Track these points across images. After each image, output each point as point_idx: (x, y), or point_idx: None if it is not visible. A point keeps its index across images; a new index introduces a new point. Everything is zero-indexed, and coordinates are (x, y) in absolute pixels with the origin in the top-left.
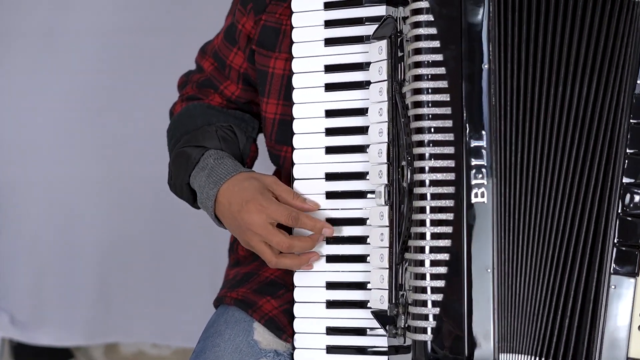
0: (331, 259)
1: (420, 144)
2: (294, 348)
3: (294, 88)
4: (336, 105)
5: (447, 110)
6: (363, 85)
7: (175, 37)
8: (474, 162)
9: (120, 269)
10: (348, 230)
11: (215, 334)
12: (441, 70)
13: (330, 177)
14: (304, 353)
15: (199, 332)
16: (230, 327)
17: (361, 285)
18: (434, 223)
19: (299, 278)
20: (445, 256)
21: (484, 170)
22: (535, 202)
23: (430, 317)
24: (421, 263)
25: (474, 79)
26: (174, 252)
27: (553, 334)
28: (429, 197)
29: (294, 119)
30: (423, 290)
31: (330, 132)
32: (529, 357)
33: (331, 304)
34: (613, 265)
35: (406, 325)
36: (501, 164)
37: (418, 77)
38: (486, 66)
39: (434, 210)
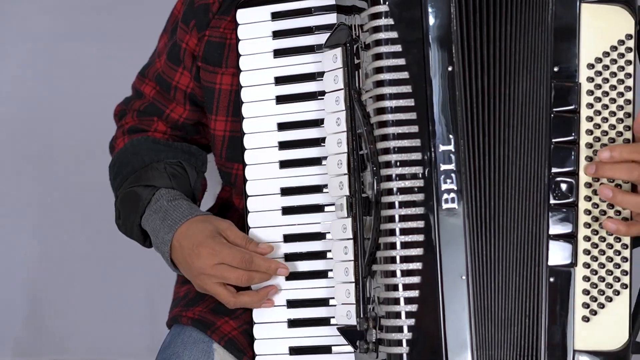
0: (291, 276)
1: (386, 151)
2: None
3: (243, 102)
4: (289, 117)
5: (412, 116)
6: (316, 95)
7: (103, 43)
8: (442, 167)
9: (51, 284)
10: (307, 246)
11: (173, 356)
12: (404, 75)
13: (285, 192)
14: None
15: (136, 347)
16: (188, 349)
17: (324, 302)
18: (404, 232)
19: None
20: (417, 265)
21: (453, 175)
22: (503, 204)
23: (405, 329)
24: (392, 274)
25: (438, 83)
26: (107, 266)
27: (527, 335)
28: (397, 205)
29: (245, 134)
30: (396, 301)
31: (283, 145)
32: None
33: (293, 323)
34: (550, 257)
35: (377, 339)
36: (470, 167)
37: (380, 83)
38: (450, 69)
39: (403, 218)
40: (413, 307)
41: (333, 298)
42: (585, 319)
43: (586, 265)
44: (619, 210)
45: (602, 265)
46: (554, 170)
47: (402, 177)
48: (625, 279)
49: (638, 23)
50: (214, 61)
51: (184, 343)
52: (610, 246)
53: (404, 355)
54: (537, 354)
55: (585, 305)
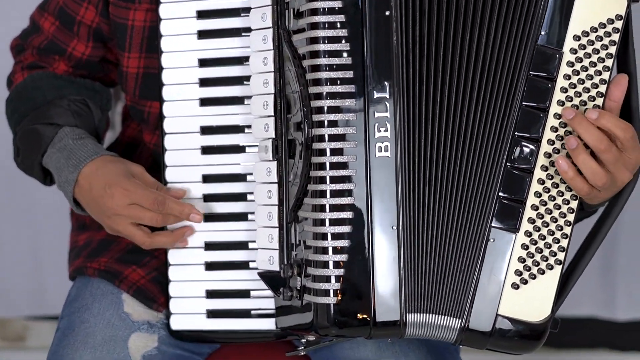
0: (209, 218)
1: (318, 96)
2: (167, 317)
3: (162, 35)
4: (211, 54)
5: (347, 61)
6: (240, 32)
7: None
8: (376, 115)
9: None
10: (226, 187)
11: (82, 309)
12: (340, 18)
13: (205, 130)
14: (182, 319)
15: (23, 300)
16: (97, 301)
17: (243, 245)
18: (335, 180)
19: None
20: (347, 214)
21: (387, 123)
22: (437, 154)
23: (333, 279)
24: (322, 222)
25: (375, 27)
26: None
27: (458, 290)
28: (328, 152)
29: (163, 68)
30: (324, 250)
31: (204, 82)
32: (436, 315)
33: (210, 266)
34: (493, 218)
35: (303, 286)
36: (405, 115)
37: (314, 25)
38: (388, 13)
39: (334, 166)
40: (342, 257)
41: (253, 242)
42: (515, 286)
43: (527, 234)
44: (569, 187)
45: (542, 237)
46: (518, 133)
47: (334, 123)
48: (561, 256)
49: (629, 6)
50: None
51: (93, 295)
52: (554, 220)
53: (331, 306)
54: (462, 310)
55: (518, 273)
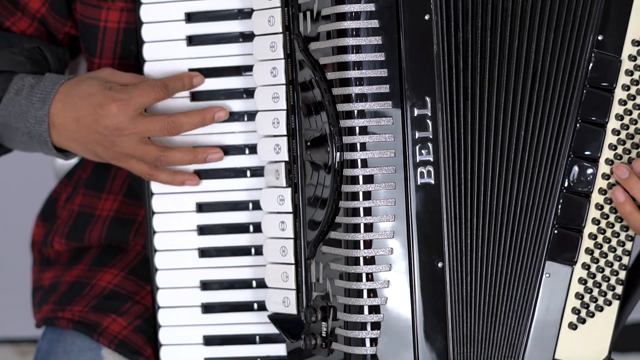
0: (205, 253)
1: (349, 115)
2: None
3: (144, 42)
4: (203, 63)
5: (382, 73)
6: (239, 38)
7: None
8: (417, 135)
9: None
10: (225, 217)
11: None
12: (373, 24)
13: None
14: None
15: None
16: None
17: (246, 284)
18: (370, 211)
19: (163, 278)
20: (386, 251)
21: (429, 145)
22: (486, 179)
23: (369, 326)
24: (355, 261)
25: (413, 34)
26: None
27: (511, 334)
28: (361, 180)
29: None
30: (359, 293)
31: (196, 96)
32: None
33: (208, 308)
34: (549, 250)
35: (329, 333)
36: (449, 136)
37: (342, 33)
38: (427, 17)
39: (369, 195)
40: (380, 300)
41: (254, 280)
42: (573, 327)
43: (585, 267)
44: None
45: (600, 270)
46: (575, 151)
47: (368, 146)
48: (619, 290)
49: None
50: None
51: (67, 352)
52: (613, 249)
53: (368, 357)
54: (515, 356)
55: (576, 311)
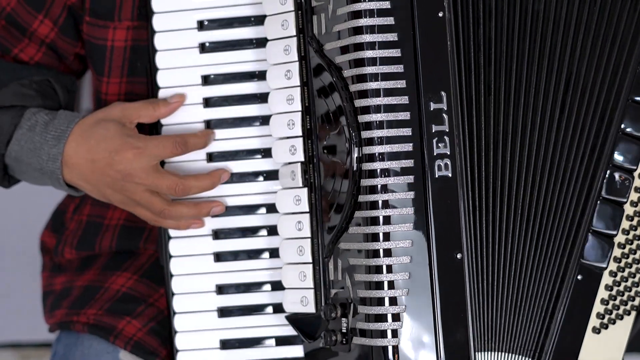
0: (221, 257)
1: (366, 110)
2: None
3: (157, 51)
4: (217, 69)
5: (398, 68)
6: (253, 43)
7: None
8: (434, 128)
9: None
10: (239, 221)
11: None
12: (388, 21)
13: (217, 157)
14: None
15: None
16: None
17: (260, 286)
18: (389, 204)
19: (178, 284)
20: (406, 243)
21: (446, 138)
22: (511, 174)
23: (389, 318)
24: (375, 254)
25: (427, 30)
26: None
27: (535, 328)
28: (379, 173)
29: (160, 88)
30: (378, 285)
31: (209, 103)
32: (510, 355)
33: (224, 312)
34: (582, 252)
35: (349, 328)
36: (466, 129)
37: (358, 30)
38: (441, 14)
39: (388, 189)
40: (400, 292)
41: (268, 282)
42: (596, 331)
43: (612, 274)
44: None
45: (625, 279)
46: (613, 161)
47: (386, 140)
48: (637, 301)
49: None
50: (105, 13)
51: (85, 356)
52: (637, 261)
53: (389, 348)
54: (540, 351)
55: (600, 316)
